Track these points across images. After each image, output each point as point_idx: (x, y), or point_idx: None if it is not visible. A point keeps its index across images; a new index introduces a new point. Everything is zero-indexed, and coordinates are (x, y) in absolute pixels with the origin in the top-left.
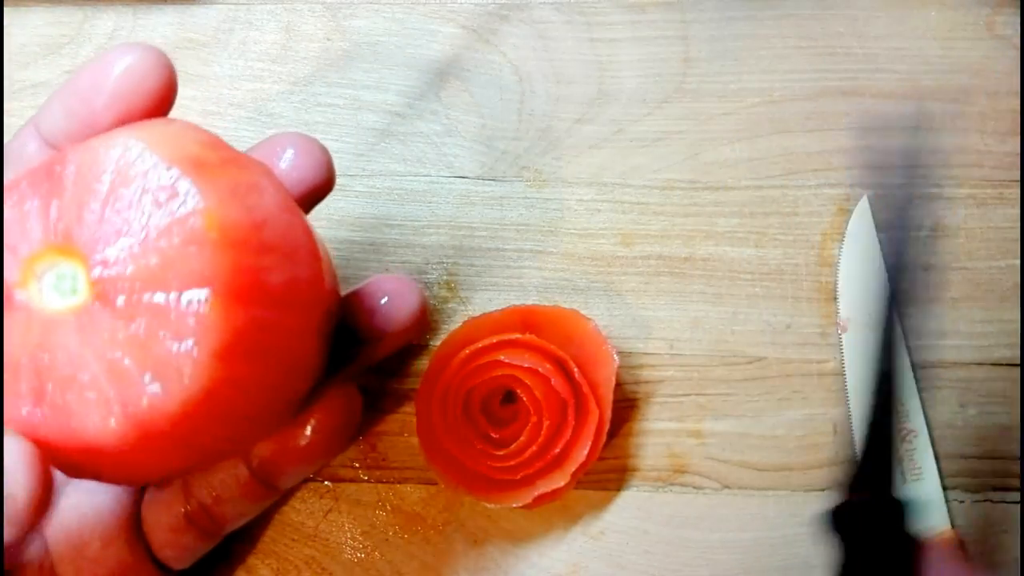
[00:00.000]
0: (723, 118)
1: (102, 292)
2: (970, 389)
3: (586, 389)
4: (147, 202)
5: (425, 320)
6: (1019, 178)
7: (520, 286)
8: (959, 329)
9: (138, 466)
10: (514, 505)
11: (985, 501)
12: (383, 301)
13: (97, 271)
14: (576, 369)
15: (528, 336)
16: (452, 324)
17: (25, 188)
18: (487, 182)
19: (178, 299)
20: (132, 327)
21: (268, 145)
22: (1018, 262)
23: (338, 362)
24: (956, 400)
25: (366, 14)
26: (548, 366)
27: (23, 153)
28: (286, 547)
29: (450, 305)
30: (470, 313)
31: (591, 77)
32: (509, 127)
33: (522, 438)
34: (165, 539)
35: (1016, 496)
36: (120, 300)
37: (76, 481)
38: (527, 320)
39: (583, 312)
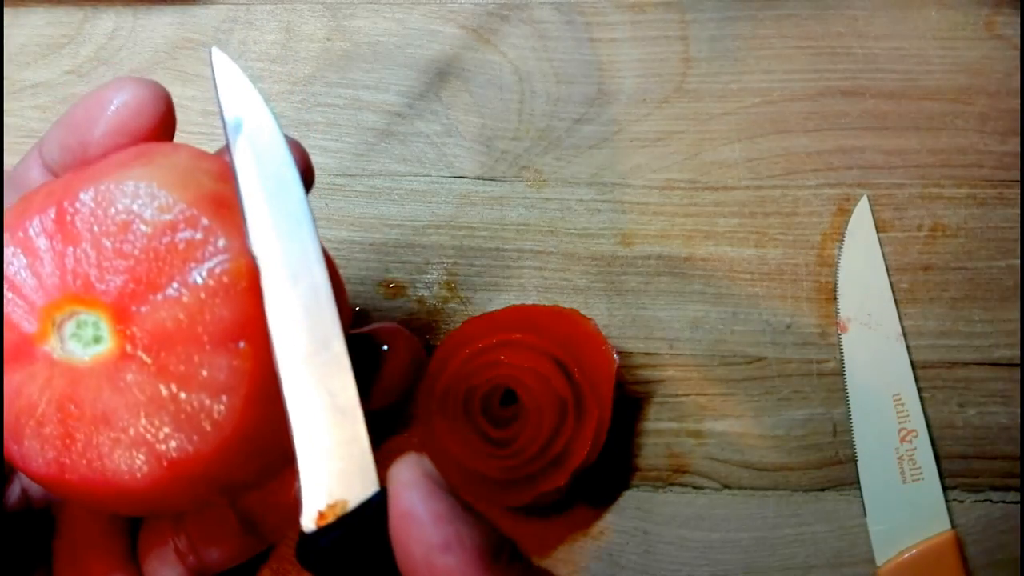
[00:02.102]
0: (723, 118)
1: (132, 344)
2: (970, 389)
3: (586, 389)
4: (172, 251)
5: (420, 370)
6: (1019, 178)
7: (520, 286)
8: (959, 329)
9: (165, 503)
10: (514, 505)
11: (985, 501)
12: (384, 348)
13: (125, 323)
14: (576, 369)
15: (528, 336)
16: (452, 324)
17: (33, 232)
18: (487, 182)
19: (211, 352)
20: (163, 380)
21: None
22: (1018, 262)
23: None
24: (956, 400)
25: (366, 14)
26: (548, 366)
27: (27, 178)
28: (285, 548)
29: (450, 305)
30: (470, 313)
31: (591, 77)
32: (509, 127)
33: (522, 438)
34: (154, 569)
35: (1016, 496)
36: (149, 353)
37: (77, 506)
38: (527, 320)
39: (583, 312)
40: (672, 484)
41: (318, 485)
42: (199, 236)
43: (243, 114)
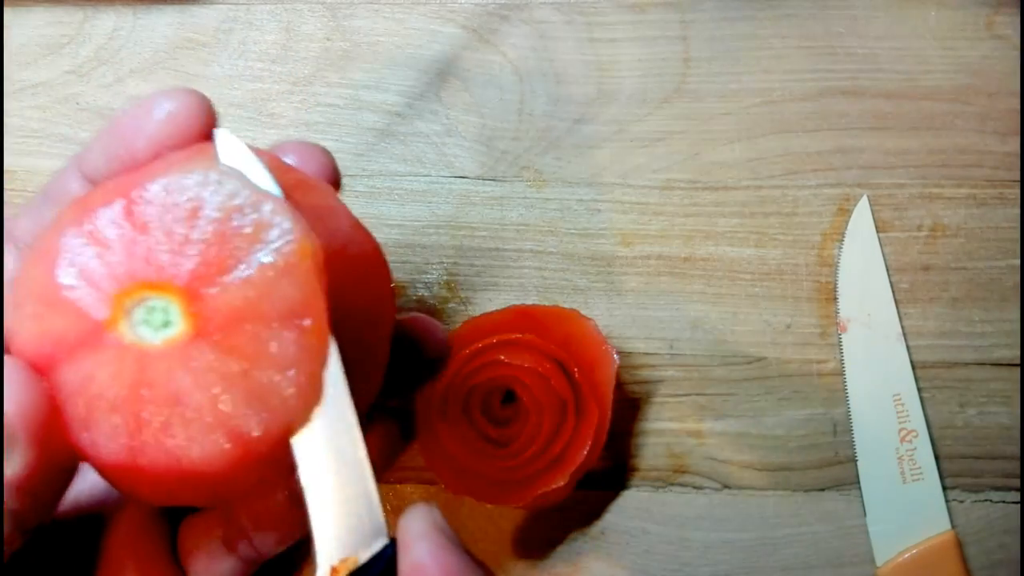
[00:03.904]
0: (723, 118)
1: (201, 325)
2: (970, 389)
3: (586, 389)
4: (239, 234)
5: (448, 354)
6: (1019, 178)
7: (520, 286)
8: (959, 329)
9: (237, 487)
10: (514, 505)
11: (985, 501)
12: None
13: (195, 304)
14: (576, 369)
15: (528, 336)
16: (452, 324)
17: (102, 223)
18: (487, 182)
19: (279, 329)
20: (235, 359)
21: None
22: (1018, 262)
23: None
24: (956, 400)
25: (366, 14)
26: (548, 366)
27: (66, 192)
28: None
29: (450, 305)
30: (470, 313)
31: (591, 77)
32: (509, 127)
33: (522, 438)
34: (203, 566)
35: (1016, 496)
36: (221, 333)
37: (110, 498)
38: (527, 320)
39: (583, 312)
40: (672, 484)
41: (330, 542)
42: (265, 220)
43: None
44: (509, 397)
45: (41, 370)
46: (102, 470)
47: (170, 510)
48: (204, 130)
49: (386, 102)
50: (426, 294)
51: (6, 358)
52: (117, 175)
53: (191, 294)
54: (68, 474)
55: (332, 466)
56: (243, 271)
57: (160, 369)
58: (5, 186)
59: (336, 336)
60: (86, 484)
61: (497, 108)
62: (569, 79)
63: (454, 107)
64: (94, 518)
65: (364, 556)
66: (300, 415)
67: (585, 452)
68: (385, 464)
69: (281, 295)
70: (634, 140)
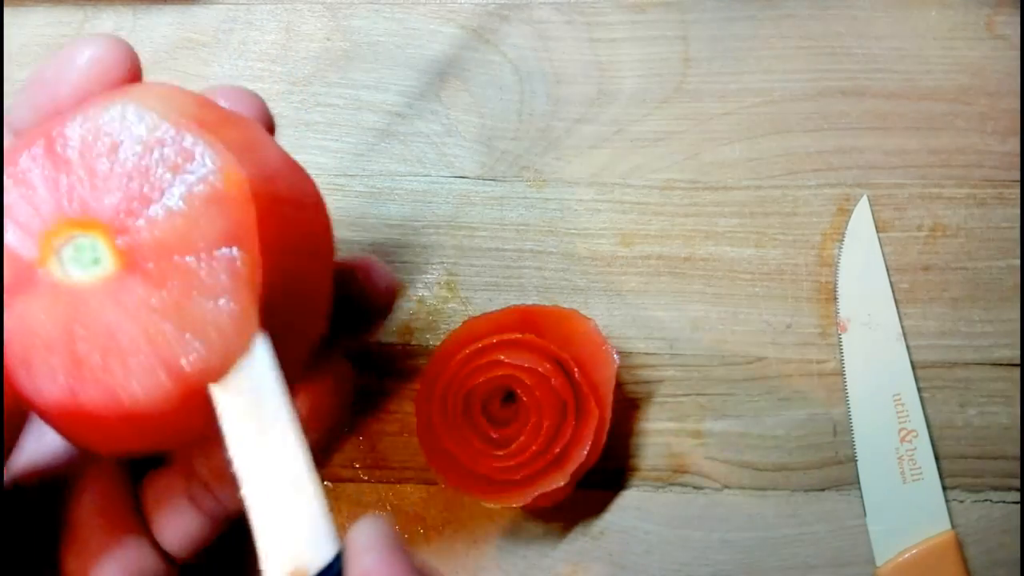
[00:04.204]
0: (723, 118)
1: (130, 260)
2: (970, 389)
3: (586, 389)
4: (162, 165)
5: (394, 297)
6: (1019, 178)
7: (520, 286)
8: (959, 329)
9: (179, 427)
10: (514, 505)
11: (985, 501)
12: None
13: (122, 239)
14: (576, 369)
15: (528, 336)
16: (452, 324)
17: (25, 164)
18: (487, 182)
19: (209, 258)
20: (166, 291)
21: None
22: (1018, 262)
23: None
24: (956, 400)
25: (366, 14)
26: (548, 366)
27: None
28: None
29: (450, 305)
30: (470, 313)
31: (591, 77)
32: (509, 127)
33: (522, 438)
34: (168, 523)
35: (1016, 496)
36: (150, 266)
37: (72, 462)
38: (527, 320)
39: (583, 312)
40: (672, 484)
41: (277, 554)
42: (187, 150)
43: None
44: (509, 397)
45: None
46: (46, 415)
47: (134, 469)
48: (128, 76)
49: (386, 102)
50: (426, 294)
51: None
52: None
53: (117, 229)
54: (16, 423)
55: (277, 477)
56: (168, 202)
57: (93, 306)
58: None
59: (270, 269)
60: (44, 448)
61: (497, 108)
62: (569, 79)
63: (454, 107)
64: (53, 484)
65: (313, 568)
66: (236, 345)
67: (585, 452)
68: (342, 411)
69: (208, 224)
70: (634, 140)
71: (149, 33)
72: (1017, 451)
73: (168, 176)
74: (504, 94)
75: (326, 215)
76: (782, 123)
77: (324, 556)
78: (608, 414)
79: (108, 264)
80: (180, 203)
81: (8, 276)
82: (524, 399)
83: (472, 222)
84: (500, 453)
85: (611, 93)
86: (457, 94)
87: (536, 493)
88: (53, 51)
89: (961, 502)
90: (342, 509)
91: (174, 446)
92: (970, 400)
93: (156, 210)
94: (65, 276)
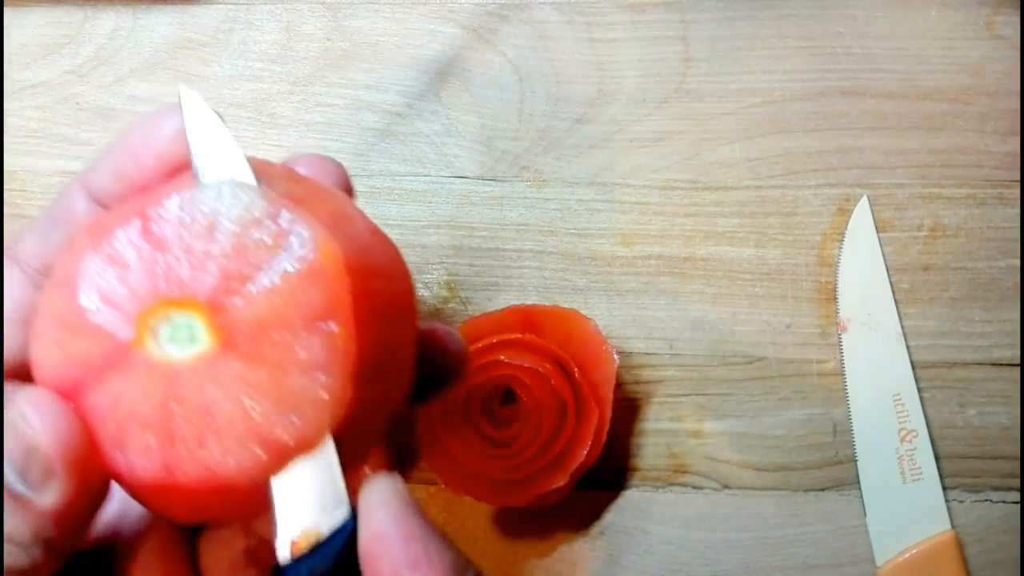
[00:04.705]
0: (723, 118)
1: (227, 337)
2: (970, 389)
3: (586, 389)
4: (259, 244)
5: (466, 363)
6: (1019, 178)
7: (520, 286)
8: (959, 329)
9: (267, 498)
10: (514, 505)
11: (985, 501)
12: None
13: (219, 317)
14: (576, 369)
15: (528, 336)
16: (452, 324)
17: (120, 245)
18: (487, 182)
19: (306, 334)
20: (264, 367)
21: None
22: (1018, 262)
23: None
24: (956, 400)
25: (366, 14)
26: (548, 366)
27: (72, 211)
28: None
29: (450, 305)
30: (470, 313)
31: (591, 77)
32: (509, 127)
33: (522, 438)
34: None
35: (1016, 496)
36: (247, 343)
37: (128, 522)
38: (527, 320)
39: (583, 312)
40: (672, 484)
41: (291, 515)
42: (283, 227)
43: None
44: (509, 397)
45: (68, 397)
46: (137, 491)
47: (189, 528)
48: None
49: (386, 102)
50: (426, 294)
51: (38, 389)
52: (127, 194)
53: (214, 308)
54: (101, 498)
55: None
56: (265, 279)
57: (189, 384)
58: (5, 186)
59: (364, 341)
60: (102, 514)
61: (497, 108)
62: (569, 79)
63: (454, 107)
64: (107, 548)
65: (326, 528)
66: (333, 418)
67: (585, 452)
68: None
69: (305, 300)
70: (634, 140)
71: (149, 33)
72: (1017, 451)
73: (265, 254)
74: (504, 94)
75: (411, 282)
76: (782, 123)
77: (337, 518)
78: (608, 414)
79: (205, 342)
80: (277, 280)
81: (102, 355)
82: (524, 399)
83: (472, 222)
84: (500, 453)
85: (611, 93)
86: (457, 94)
87: (536, 493)
88: (139, 118)
89: (961, 502)
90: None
91: (259, 514)
92: (970, 400)
93: (253, 288)
94: (162, 355)
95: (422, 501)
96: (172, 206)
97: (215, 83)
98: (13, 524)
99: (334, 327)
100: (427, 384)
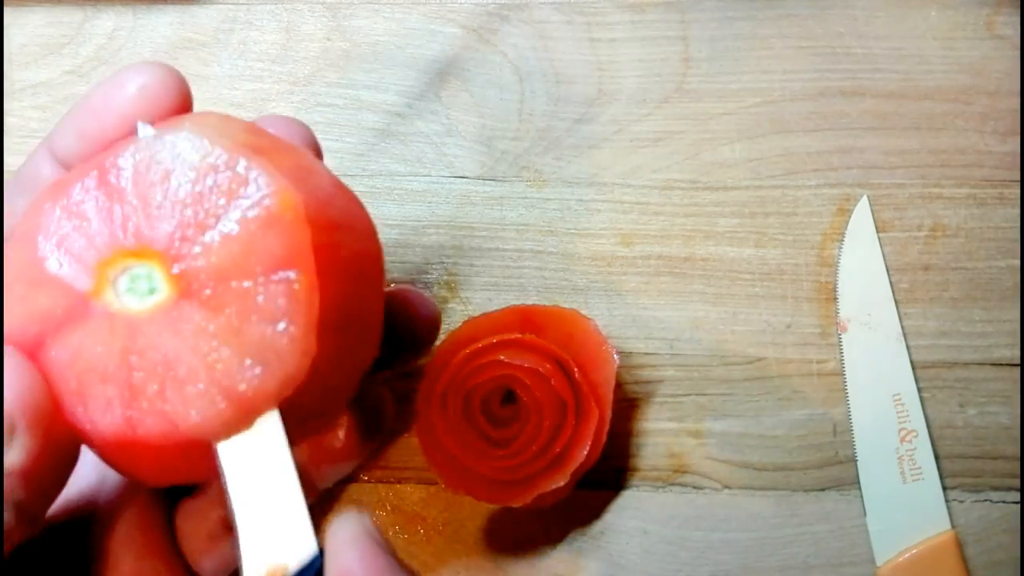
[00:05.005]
0: (723, 118)
1: (186, 287)
2: (970, 389)
3: (586, 389)
4: (216, 192)
5: (437, 328)
6: (1019, 178)
7: (520, 286)
8: (959, 329)
9: None
10: (514, 505)
11: (985, 501)
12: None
13: (178, 266)
14: (576, 369)
15: (528, 336)
16: (452, 324)
17: (78, 196)
18: (487, 182)
19: (266, 282)
20: (223, 316)
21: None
22: (1018, 262)
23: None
24: (956, 400)
25: (366, 14)
26: (548, 366)
27: (38, 176)
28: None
29: (450, 305)
30: (470, 313)
31: (591, 77)
32: (509, 127)
33: (522, 438)
34: (202, 548)
35: (1016, 496)
36: (207, 292)
37: (104, 494)
38: (527, 320)
39: (583, 312)
40: (672, 484)
41: (258, 553)
42: (241, 176)
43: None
44: (509, 397)
45: (31, 352)
46: (100, 448)
47: (167, 497)
48: (178, 104)
49: (386, 102)
50: (426, 294)
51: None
52: (90, 154)
53: (172, 257)
54: (70, 458)
55: (259, 474)
56: (222, 228)
57: (149, 335)
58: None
59: (327, 292)
60: (74, 485)
61: (497, 108)
62: (569, 79)
63: (454, 107)
64: (84, 520)
65: (293, 565)
66: (296, 369)
67: (585, 452)
68: (380, 434)
69: (264, 248)
70: (634, 140)
71: (149, 33)
72: (1017, 451)
73: (222, 202)
74: (504, 94)
75: (377, 241)
76: (782, 123)
77: (304, 555)
78: (608, 414)
79: (164, 292)
80: (235, 228)
81: (62, 308)
82: (524, 399)
83: (472, 222)
84: (500, 453)
85: (611, 93)
86: (457, 94)
87: (536, 493)
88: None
89: (961, 502)
90: (341, 510)
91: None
92: (970, 400)
93: (211, 236)
94: (121, 306)
95: (422, 501)
96: (129, 157)
97: (215, 83)
98: None
99: (294, 275)
100: (395, 348)
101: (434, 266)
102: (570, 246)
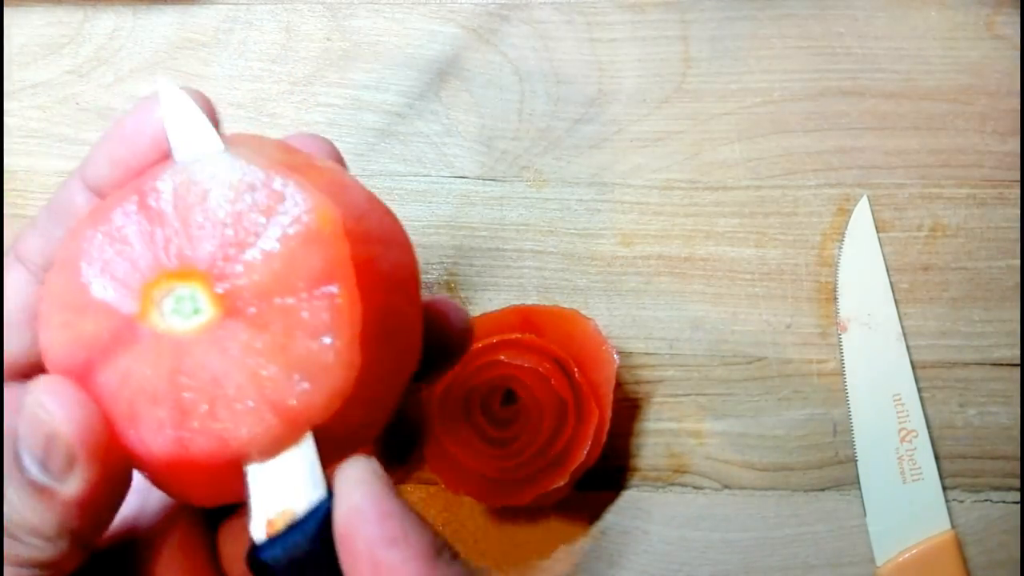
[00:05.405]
0: (723, 118)
1: (231, 306)
2: (970, 389)
3: (586, 389)
4: (255, 210)
5: (472, 337)
6: (1019, 178)
7: (520, 286)
8: (959, 329)
9: None
10: (514, 505)
11: (985, 501)
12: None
13: (221, 286)
14: (576, 369)
15: (528, 336)
16: None
17: (119, 221)
18: (487, 182)
19: (308, 297)
20: (269, 333)
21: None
22: (1018, 262)
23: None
24: (956, 400)
25: (366, 14)
26: (548, 366)
27: (72, 205)
28: None
29: None
30: (470, 313)
31: (591, 77)
32: (509, 127)
33: (522, 438)
34: (245, 569)
35: (1016, 496)
36: (251, 310)
37: (146, 519)
38: (527, 320)
39: (583, 312)
40: (672, 484)
41: (266, 496)
42: (278, 193)
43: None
44: (509, 397)
45: (80, 379)
46: (152, 470)
47: (209, 519)
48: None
49: (386, 102)
50: (426, 294)
51: (51, 376)
52: (124, 181)
53: (216, 276)
54: (124, 485)
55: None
56: (263, 245)
57: (196, 355)
58: (5, 186)
59: (368, 305)
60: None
61: (497, 108)
62: (569, 79)
63: (454, 107)
64: (126, 546)
65: (301, 508)
66: (343, 382)
67: (585, 452)
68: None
69: (305, 264)
70: (634, 140)
71: (149, 33)
72: (1017, 451)
73: (262, 220)
74: (504, 94)
75: (413, 252)
76: (782, 123)
77: (312, 498)
78: (608, 414)
79: (209, 312)
80: (276, 245)
81: (108, 333)
82: (524, 399)
83: (472, 222)
84: (500, 453)
85: (611, 93)
86: (457, 94)
87: (536, 493)
88: (131, 107)
89: (961, 502)
90: None
91: None
92: (970, 400)
93: (253, 254)
94: (167, 328)
95: (422, 501)
96: (168, 180)
97: (215, 83)
98: (38, 516)
99: (336, 290)
100: (431, 359)
101: (434, 266)
102: (570, 246)
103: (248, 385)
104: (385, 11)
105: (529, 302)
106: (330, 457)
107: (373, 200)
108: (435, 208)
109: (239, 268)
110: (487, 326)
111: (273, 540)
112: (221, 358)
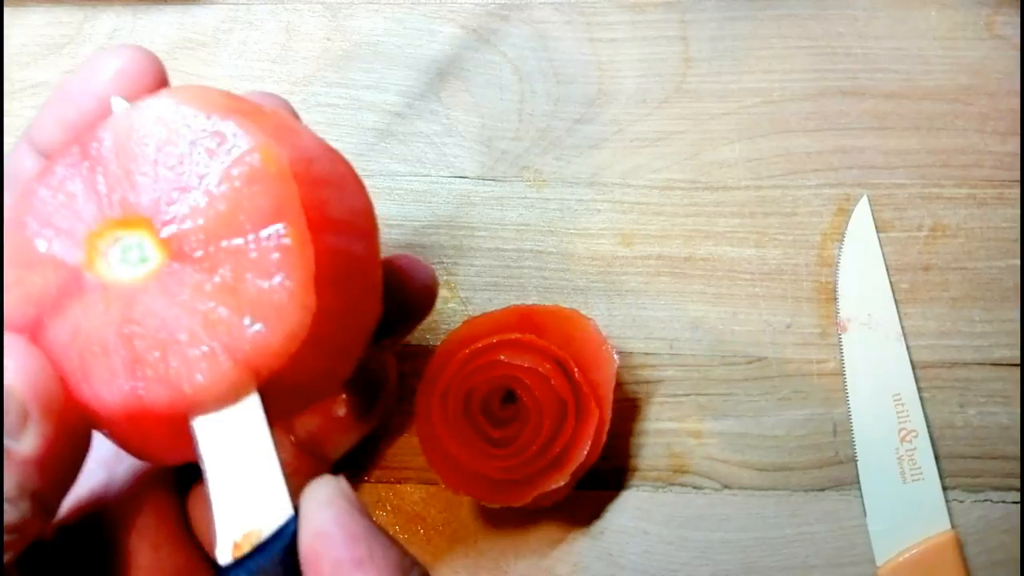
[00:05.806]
0: (723, 118)
1: (177, 250)
2: (970, 389)
3: (586, 389)
4: (198, 153)
5: (435, 294)
6: (1019, 178)
7: (520, 286)
8: (959, 329)
9: None
10: (514, 505)
11: (985, 501)
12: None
13: (166, 231)
14: (576, 369)
15: (528, 336)
16: (452, 324)
17: (61, 173)
18: (487, 182)
19: (256, 238)
20: (218, 276)
21: None
22: (1018, 262)
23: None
24: (956, 400)
25: (366, 14)
26: (548, 366)
27: (20, 170)
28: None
29: (450, 305)
30: (470, 313)
31: (591, 77)
32: (509, 127)
33: (522, 438)
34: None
35: (1016, 496)
36: (198, 253)
37: (113, 490)
38: (527, 320)
39: (583, 312)
40: (672, 484)
41: (231, 517)
42: (221, 134)
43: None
44: (509, 397)
45: (32, 335)
46: (110, 425)
47: (178, 486)
48: (154, 85)
49: (386, 102)
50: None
51: (3, 335)
52: (72, 141)
53: (161, 222)
54: (83, 443)
55: (233, 440)
56: (207, 187)
57: (146, 302)
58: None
59: (319, 247)
60: (83, 485)
61: (497, 108)
62: (569, 79)
63: (454, 107)
64: (96, 519)
65: (267, 529)
66: (298, 324)
67: (585, 452)
68: (389, 401)
69: (251, 204)
70: (634, 140)
71: (149, 33)
72: (1017, 451)
73: (205, 161)
74: (504, 94)
75: (366, 196)
76: (782, 123)
77: (278, 518)
78: (608, 414)
79: (156, 259)
80: (220, 186)
81: (55, 286)
82: (524, 399)
83: (472, 222)
84: (500, 453)
85: (611, 93)
86: (457, 94)
87: (536, 493)
88: (80, 65)
89: (961, 502)
90: None
91: None
92: (970, 400)
93: (196, 196)
94: (115, 277)
95: (422, 501)
96: (109, 128)
97: (215, 83)
98: None
99: (284, 229)
100: (396, 316)
101: (434, 266)
102: (570, 246)
103: (200, 330)
104: (385, 11)
105: (529, 302)
106: (292, 407)
107: (323, 146)
108: (435, 208)
109: (184, 211)
110: (487, 326)
111: (239, 562)
112: (170, 304)
